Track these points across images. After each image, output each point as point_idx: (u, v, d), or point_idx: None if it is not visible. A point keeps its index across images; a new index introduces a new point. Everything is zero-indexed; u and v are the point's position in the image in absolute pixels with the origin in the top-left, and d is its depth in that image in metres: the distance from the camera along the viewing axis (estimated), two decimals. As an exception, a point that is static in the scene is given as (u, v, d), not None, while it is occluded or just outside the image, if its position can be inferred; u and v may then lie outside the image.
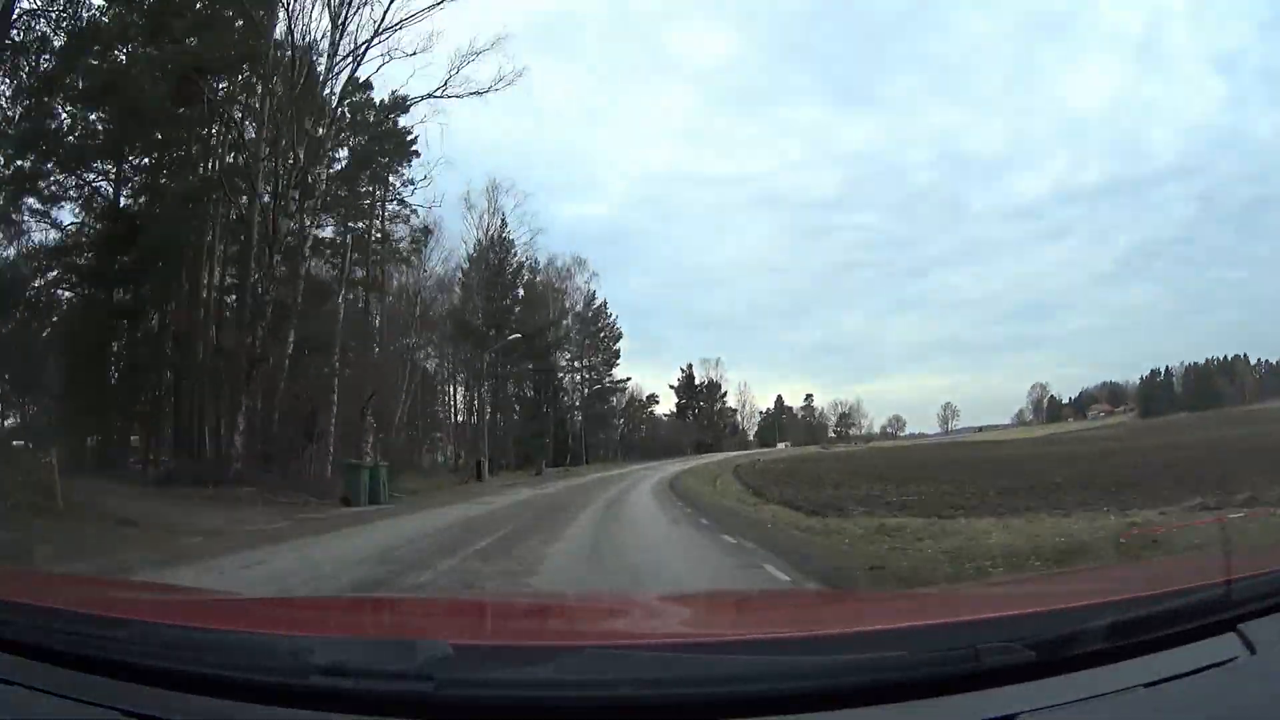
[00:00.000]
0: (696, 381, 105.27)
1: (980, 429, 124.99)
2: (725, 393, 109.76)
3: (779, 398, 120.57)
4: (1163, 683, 1.02)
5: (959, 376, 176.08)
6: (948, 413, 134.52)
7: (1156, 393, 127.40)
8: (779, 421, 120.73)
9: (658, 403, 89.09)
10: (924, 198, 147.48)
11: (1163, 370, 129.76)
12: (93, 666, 1.22)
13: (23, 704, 1.18)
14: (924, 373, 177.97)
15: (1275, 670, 1.05)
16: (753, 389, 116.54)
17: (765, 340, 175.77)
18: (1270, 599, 1.14)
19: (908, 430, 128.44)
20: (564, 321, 68.15)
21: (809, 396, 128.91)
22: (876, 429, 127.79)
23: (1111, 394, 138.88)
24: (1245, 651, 1.06)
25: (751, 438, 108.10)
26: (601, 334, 76.88)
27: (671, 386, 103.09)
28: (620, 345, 78.40)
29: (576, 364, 73.61)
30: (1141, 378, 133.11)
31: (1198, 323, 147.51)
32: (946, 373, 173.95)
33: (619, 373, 79.85)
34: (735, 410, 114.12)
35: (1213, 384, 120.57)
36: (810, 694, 1.04)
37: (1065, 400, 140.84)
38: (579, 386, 74.43)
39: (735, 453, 77.62)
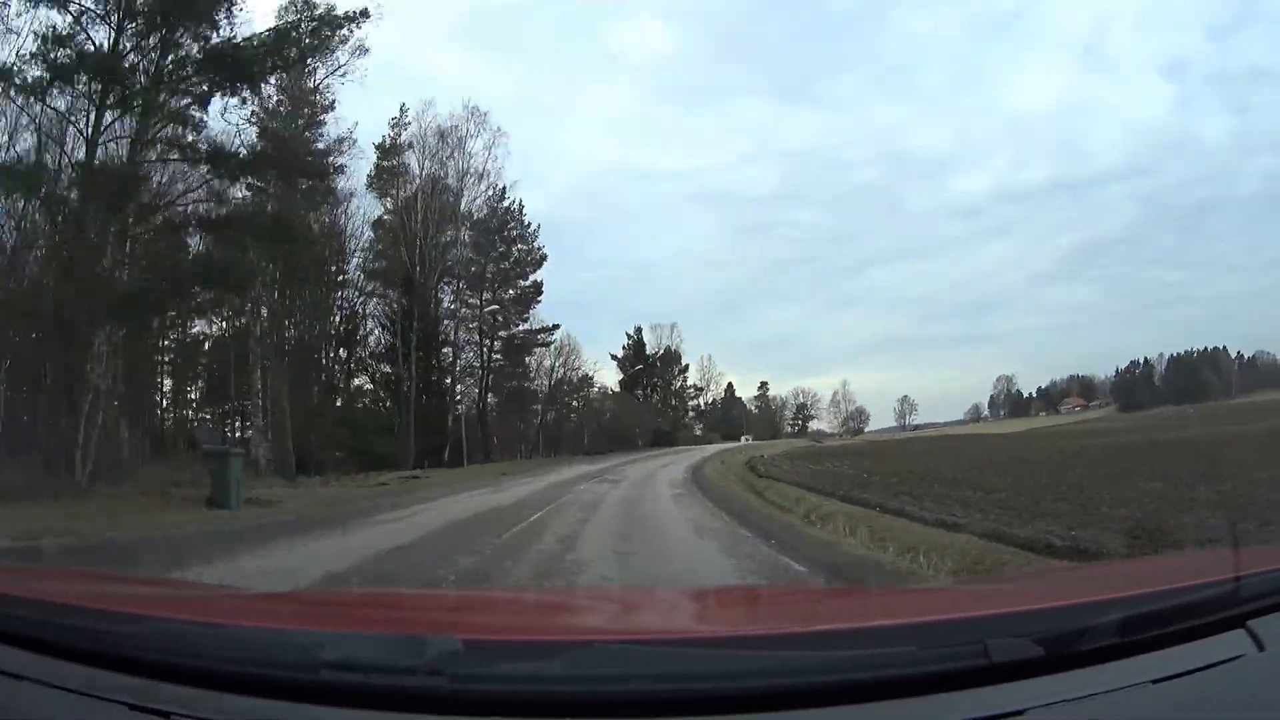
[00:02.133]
0: (649, 350, 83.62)
1: (945, 424, 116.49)
2: (687, 366, 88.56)
3: (730, 385, 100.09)
4: (1171, 679, 1.02)
5: (899, 373, 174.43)
6: (905, 407, 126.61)
7: (1135, 385, 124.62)
8: (739, 412, 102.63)
9: (592, 385, 66.41)
10: (865, 195, 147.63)
11: (1142, 361, 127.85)
12: (102, 661, 1.22)
13: (31, 699, 1.19)
14: (864, 370, 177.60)
15: None
16: (717, 363, 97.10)
17: (705, 337, 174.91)
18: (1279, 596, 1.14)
19: (871, 425, 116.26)
20: (446, 233, 43.65)
21: (764, 385, 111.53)
22: (838, 421, 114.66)
23: (1083, 387, 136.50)
24: (1254, 648, 1.06)
25: (699, 431, 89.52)
26: (512, 254, 51.01)
27: (615, 357, 79.80)
28: (541, 276, 52.16)
29: (470, 301, 48.67)
30: (1118, 370, 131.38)
31: (1138, 323, 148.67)
32: (886, 369, 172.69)
33: (541, 316, 53.81)
34: (700, 389, 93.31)
35: (1198, 376, 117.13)
36: (819, 689, 1.05)
37: (1026, 395, 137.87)
38: (476, 339, 49.87)
39: (712, 447, 60.02)
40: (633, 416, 72.01)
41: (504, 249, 50.69)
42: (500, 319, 51.73)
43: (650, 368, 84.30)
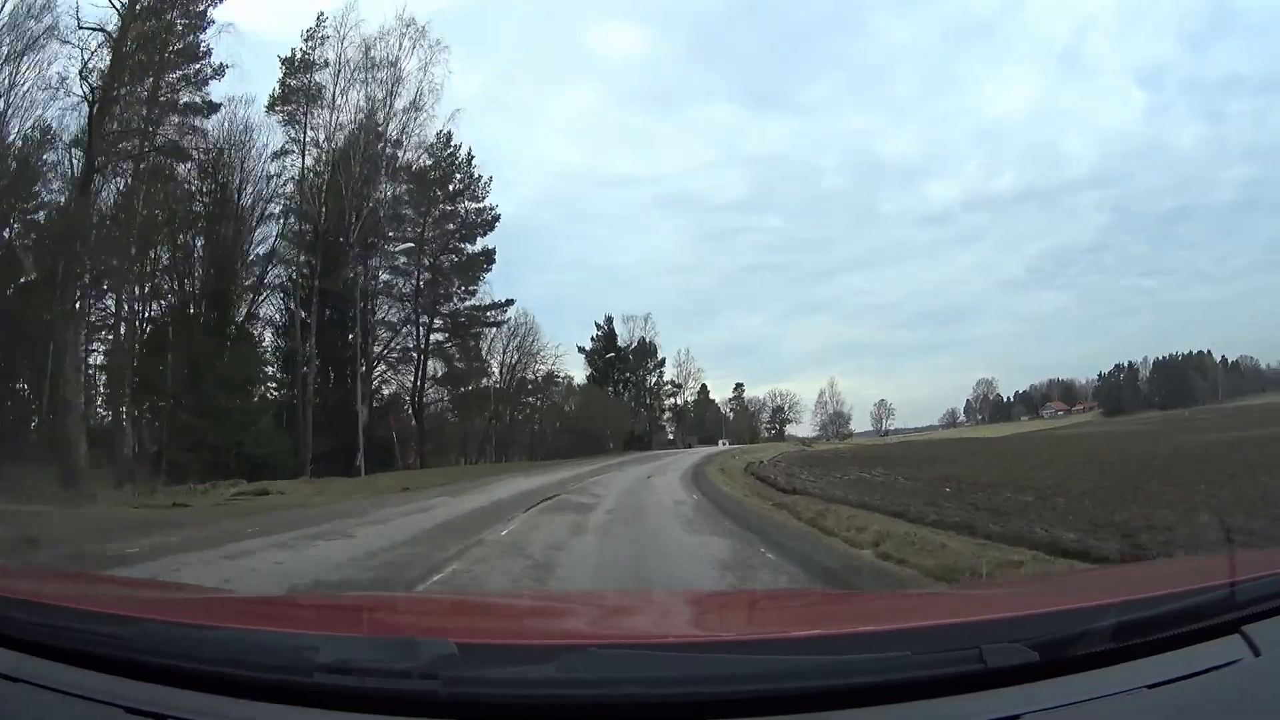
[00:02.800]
0: (621, 343, 74.72)
1: (922, 429, 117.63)
2: (663, 360, 79.44)
3: (704, 387, 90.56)
4: (1166, 684, 1.02)
5: (865, 379, 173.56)
6: (882, 411, 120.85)
7: (1121, 390, 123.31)
8: (713, 414, 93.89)
9: (556, 382, 56.62)
10: (835, 202, 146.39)
11: (1126, 365, 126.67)
12: (98, 664, 1.22)
13: (27, 701, 1.18)
14: (830, 375, 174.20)
15: (1279, 672, 1.05)
16: (696, 359, 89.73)
17: (673, 341, 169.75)
18: (1274, 601, 1.14)
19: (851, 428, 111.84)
20: (377, 188, 34.23)
21: (739, 387, 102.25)
22: (816, 425, 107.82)
23: (1064, 392, 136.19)
24: (1249, 653, 1.06)
25: (671, 435, 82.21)
26: (458, 209, 41.26)
27: (583, 350, 70.68)
28: (492, 242, 42.84)
29: (403, 266, 39.58)
30: (1101, 374, 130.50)
31: (1109, 329, 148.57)
32: (853, 376, 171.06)
33: (492, 291, 44.16)
34: (678, 386, 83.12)
35: (1184, 380, 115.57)
36: (815, 693, 1.04)
37: (1005, 400, 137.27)
38: (414, 316, 40.37)
39: (693, 451, 53.64)
40: (603, 416, 62.30)
41: (448, 206, 40.81)
42: (442, 290, 41.69)
43: (622, 360, 74.52)
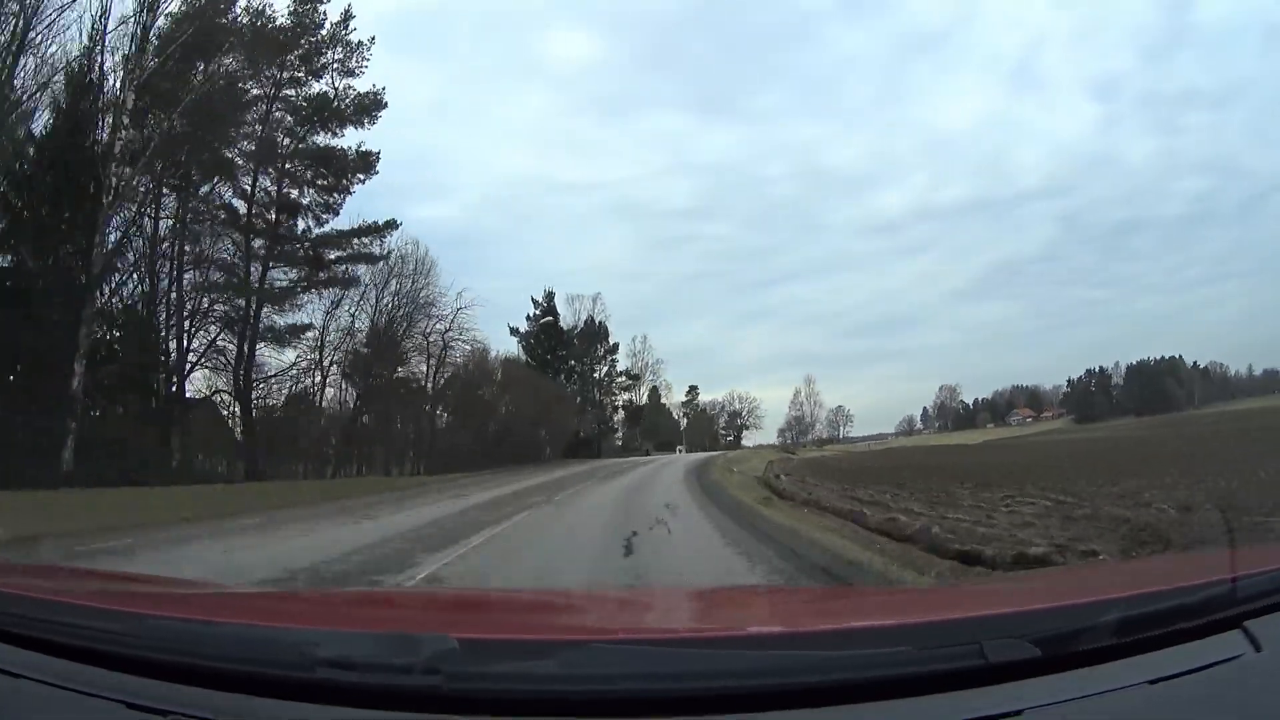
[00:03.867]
0: (566, 325, 60.42)
1: (883, 437, 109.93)
2: (615, 346, 65.25)
3: (655, 390, 75.98)
4: (1168, 679, 1.02)
5: (813, 387, 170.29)
6: (840, 418, 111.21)
7: (1093, 396, 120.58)
8: (664, 419, 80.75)
9: (467, 351, 39.53)
10: (783, 210, 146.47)
11: (1098, 370, 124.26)
12: (97, 659, 1.22)
13: (28, 697, 1.18)
14: (776, 384, 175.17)
15: None
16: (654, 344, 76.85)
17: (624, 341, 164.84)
18: (1276, 596, 1.14)
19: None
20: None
21: (693, 390, 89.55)
22: (774, 432, 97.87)
23: (1031, 399, 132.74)
24: (1251, 649, 1.06)
25: (619, 440, 69.26)
26: (321, 80, 28.22)
27: (515, 330, 56.64)
28: (377, 145, 30.23)
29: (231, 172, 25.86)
30: (1070, 380, 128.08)
31: (1057, 340, 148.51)
32: (798, 383, 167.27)
33: (365, 206, 33.03)
34: (635, 378, 68.73)
35: (1159, 386, 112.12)
36: (815, 689, 1.04)
37: (967, 406, 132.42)
38: (237, 234, 27.58)
39: (651, 460, 42.48)
40: (536, 409, 43.06)
41: (300, 70, 27.54)
42: (285, 189, 27.64)
43: (566, 344, 59.28)
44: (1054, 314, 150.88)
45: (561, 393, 52.17)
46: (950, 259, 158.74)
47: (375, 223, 30.75)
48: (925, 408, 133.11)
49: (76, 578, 2.40)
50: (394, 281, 33.38)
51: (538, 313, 58.18)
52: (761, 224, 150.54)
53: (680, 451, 65.62)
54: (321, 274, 30.65)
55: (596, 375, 63.92)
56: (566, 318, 61.64)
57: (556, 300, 60.01)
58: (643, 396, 72.89)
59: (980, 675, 1.04)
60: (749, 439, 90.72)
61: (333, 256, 31.07)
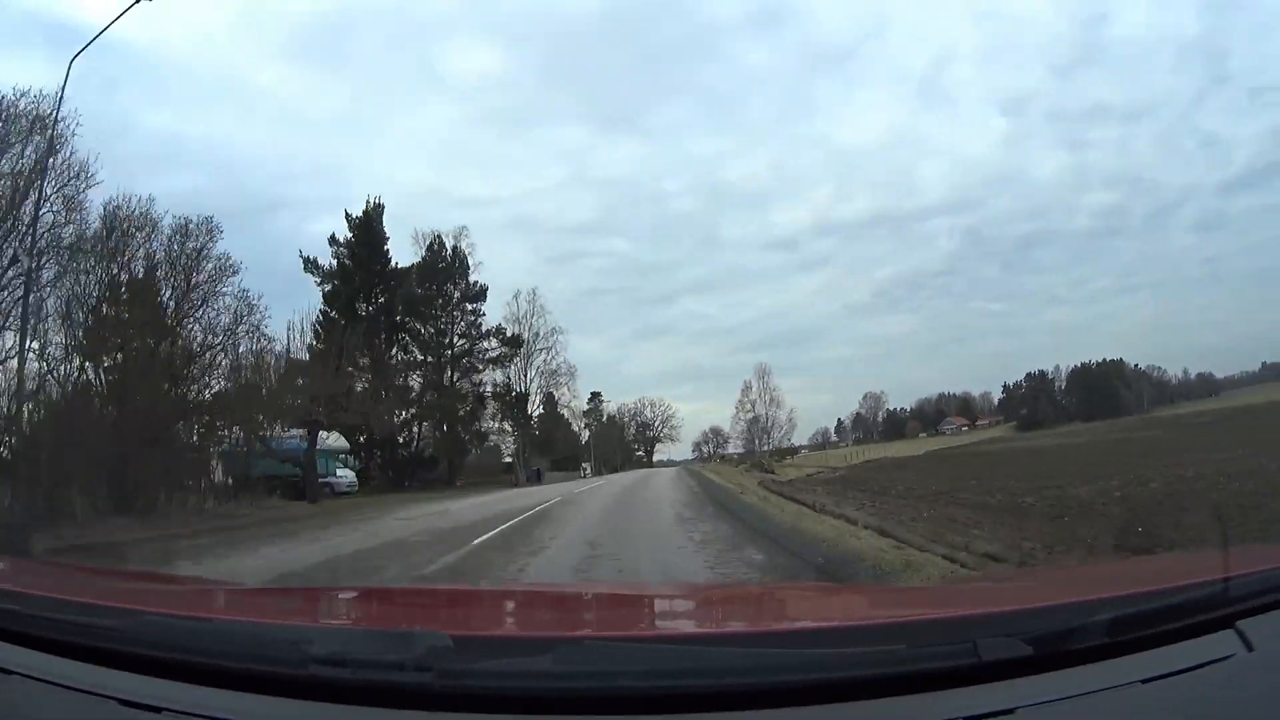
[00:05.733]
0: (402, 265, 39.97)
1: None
2: (484, 290, 44.03)
3: (549, 395, 55.54)
4: (1160, 679, 1.02)
5: (706, 402, 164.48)
6: (757, 430, 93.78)
7: (1037, 401, 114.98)
8: (563, 432, 63.18)
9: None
10: (682, 225, 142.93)
11: (1038, 374, 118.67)
12: (91, 656, 1.22)
13: (21, 693, 1.18)
14: (680, 398, 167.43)
15: (1273, 667, 1.05)
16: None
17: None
18: (1268, 596, 1.14)
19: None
20: None
21: (596, 396, 73.70)
22: (688, 443, 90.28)
23: (964, 406, 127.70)
24: (1243, 648, 1.06)
25: (509, 457, 49.53)
26: None
27: (312, 264, 36.97)
28: None
29: None
30: (1006, 385, 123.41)
31: (960, 352, 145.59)
32: (696, 399, 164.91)
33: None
34: (517, 342, 47.69)
35: (1107, 390, 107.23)
36: (809, 687, 1.05)
37: (889, 415, 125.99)
38: None
39: (553, 490, 25.34)
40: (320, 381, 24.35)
41: None
42: None
43: (398, 275, 38.70)
44: (955, 326, 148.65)
45: (385, 368, 32.78)
46: (850, 273, 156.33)
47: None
48: (840, 419, 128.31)
49: (70, 575, 2.40)
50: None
51: (351, 237, 35.69)
52: (661, 239, 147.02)
53: (585, 470, 52.50)
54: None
55: (459, 328, 41.70)
56: (413, 256, 41.61)
57: (387, 225, 37.56)
58: (530, 380, 51.14)
59: (973, 673, 1.04)
60: (661, 452, 79.08)
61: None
